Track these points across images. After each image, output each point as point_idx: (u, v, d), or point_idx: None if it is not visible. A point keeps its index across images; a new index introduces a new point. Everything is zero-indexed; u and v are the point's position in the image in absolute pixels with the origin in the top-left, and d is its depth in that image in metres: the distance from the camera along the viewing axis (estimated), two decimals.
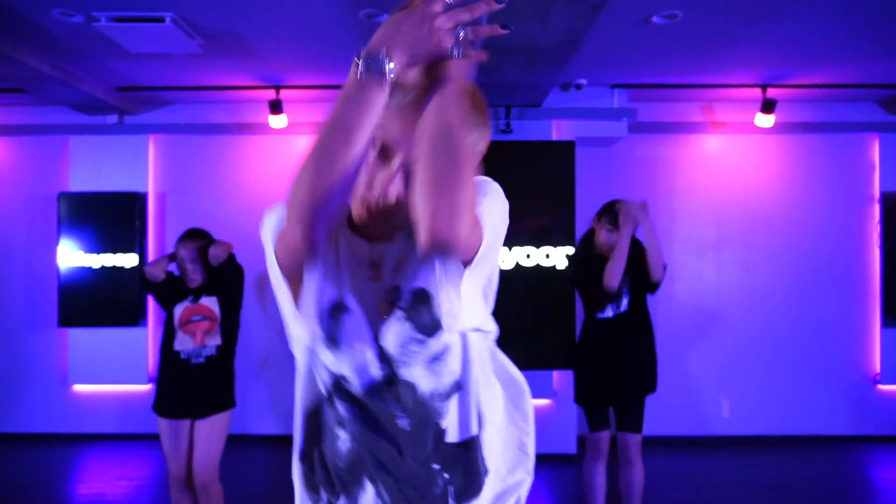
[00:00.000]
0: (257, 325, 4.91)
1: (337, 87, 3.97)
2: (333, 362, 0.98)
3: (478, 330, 0.99)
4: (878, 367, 5.17)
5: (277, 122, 4.82)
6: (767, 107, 4.69)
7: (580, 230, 4.98)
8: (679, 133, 5.22)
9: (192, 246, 2.99)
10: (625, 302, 3.12)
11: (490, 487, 1.02)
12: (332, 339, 0.97)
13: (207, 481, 2.92)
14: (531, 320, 4.54)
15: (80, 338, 5.19)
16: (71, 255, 5.10)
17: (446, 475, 0.98)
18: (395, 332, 0.96)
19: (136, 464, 4.79)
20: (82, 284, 5.09)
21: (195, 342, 2.93)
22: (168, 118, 5.22)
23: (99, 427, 5.29)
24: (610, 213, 3.15)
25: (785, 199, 5.23)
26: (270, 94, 4.79)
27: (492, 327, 1.04)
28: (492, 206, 0.98)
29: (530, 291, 4.55)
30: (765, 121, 4.76)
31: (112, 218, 5.11)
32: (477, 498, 1.00)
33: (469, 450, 1.00)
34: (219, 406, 2.96)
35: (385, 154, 0.98)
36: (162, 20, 3.39)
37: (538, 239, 4.64)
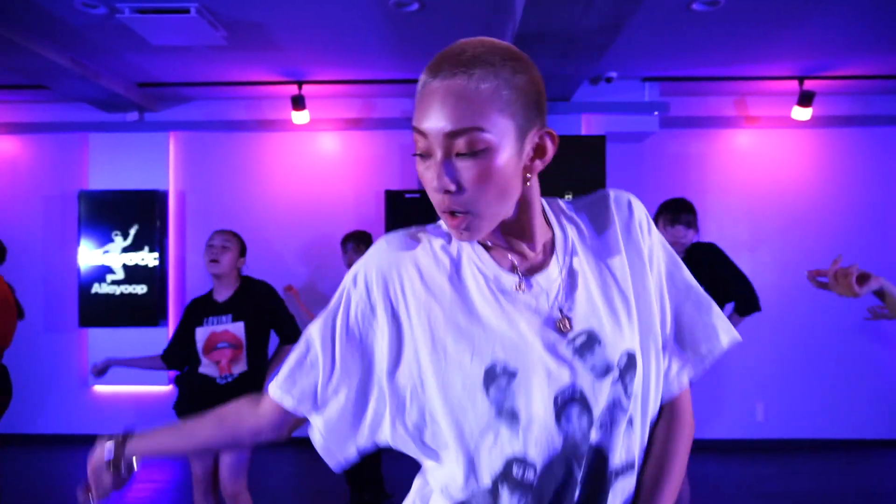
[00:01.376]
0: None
1: (360, 81, 3.86)
2: (509, 440, 0.83)
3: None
4: None
5: (300, 117, 4.73)
6: (805, 99, 4.54)
7: None
8: (711, 128, 5.08)
9: (227, 236, 2.88)
10: None
11: None
12: (505, 410, 0.82)
13: (237, 491, 2.83)
14: None
15: (101, 338, 5.13)
16: (91, 255, 5.04)
17: None
18: (605, 390, 0.83)
19: (156, 465, 4.72)
20: (102, 284, 5.03)
21: (220, 370, 2.80)
22: (188, 115, 5.16)
23: (119, 428, 5.21)
24: (669, 211, 3.03)
25: (823, 196, 5.07)
26: (292, 89, 4.70)
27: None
28: None
29: None
30: (802, 114, 4.60)
31: (132, 216, 5.05)
32: None
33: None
34: None
35: (422, 156, 0.84)
36: (187, 11, 3.30)
37: None
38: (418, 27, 3.66)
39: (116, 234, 5.04)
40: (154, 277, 5.03)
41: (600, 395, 0.83)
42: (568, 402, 0.82)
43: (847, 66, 4.42)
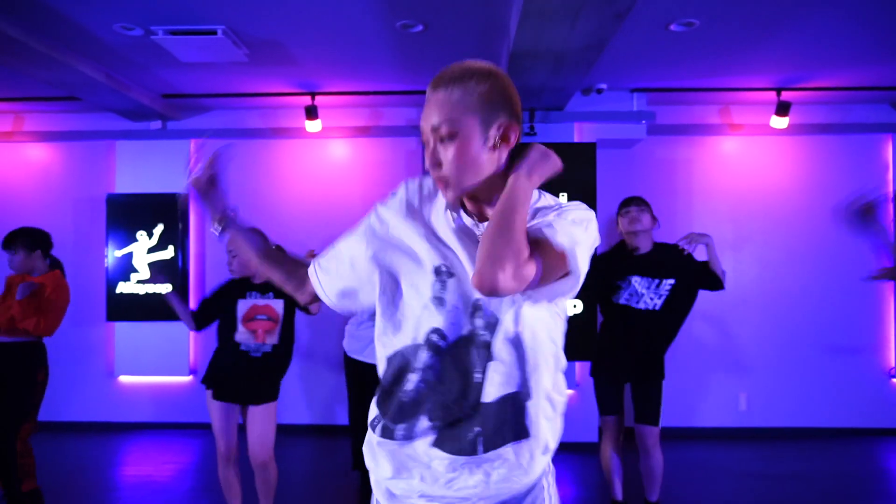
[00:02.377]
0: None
1: (369, 93, 4.31)
2: (433, 318, 1.20)
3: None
4: (892, 362, 5.30)
5: (313, 126, 5.09)
6: (782, 109, 4.87)
7: (601, 229, 5.18)
8: (697, 135, 5.40)
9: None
10: (660, 302, 3.32)
11: (527, 449, 1.21)
12: (439, 298, 1.20)
13: (265, 460, 3.14)
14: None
15: (126, 331, 5.48)
16: (118, 254, 5.40)
17: (477, 428, 1.19)
18: (496, 301, 1.18)
19: (178, 450, 5.05)
20: (128, 281, 5.39)
21: (256, 339, 3.10)
22: (208, 123, 5.50)
23: (142, 416, 5.57)
24: (627, 205, 3.43)
25: (801, 199, 5.39)
26: (306, 100, 5.05)
27: (558, 321, 1.28)
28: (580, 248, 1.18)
29: None
30: (779, 123, 4.93)
31: (156, 218, 5.40)
32: (504, 447, 1.19)
33: (505, 409, 1.19)
34: (269, 397, 3.15)
35: (425, 143, 1.23)
36: (214, 32, 3.66)
37: None
38: (422, 45, 4.01)
39: (141, 235, 5.41)
40: (176, 275, 5.39)
41: (490, 306, 1.20)
42: (475, 303, 1.20)
43: (821, 78, 4.73)
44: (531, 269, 1.08)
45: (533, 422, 1.21)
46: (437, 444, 1.20)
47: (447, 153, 1.19)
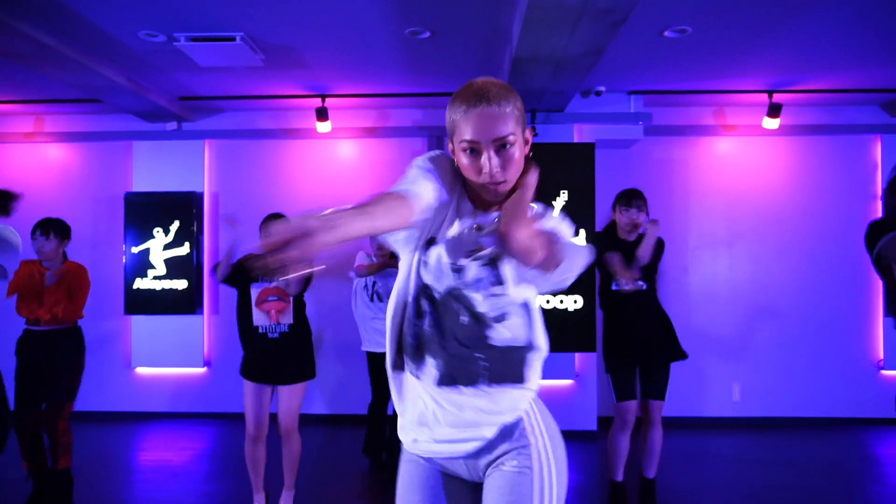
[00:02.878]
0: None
1: (377, 95, 4.58)
2: (428, 275, 1.43)
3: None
4: (881, 354, 5.51)
5: (323, 127, 5.30)
6: (773, 111, 5.08)
7: (600, 225, 5.40)
8: (692, 135, 5.61)
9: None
10: (644, 283, 3.50)
11: (524, 398, 1.45)
12: (426, 262, 1.43)
13: (290, 429, 3.37)
14: (554, 308, 4.96)
15: (143, 324, 5.69)
16: (135, 250, 5.61)
17: (485, 363, 1.41)
18: (474, 268, 1.41)
19: (193, 437, 5.26)
20: (145, 275, 5.61)
21: (271, 319, 3.30)
22: (222, 124, 5.72)
23: (158, 406, 5.78)
24: (623, 198, 3.57)
25: (793, 198, 5.59)
26: (316, 102, 5.26)
27: (534, 297, 1.48)
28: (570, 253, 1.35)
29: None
30: (771, 124, 5.14)
31: (172, 215, 5.62)
32: (506, 387, 1.42)
33: (511, 356, 1.43)
34: (300, 376, 3.34)
35: (475, 151, 1.38)
36: (233, 39, 3.88)
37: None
38: (429, 51, 4.22)
39: (158, 231, 5.62)
40: (191, 270, 5.60)
41: (469, 271, 1.41)
42: (461, 267, 1.41)
43: (812, 81, 4.94)
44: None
45: (529, 371, 1.46)
46: (444, 381, 1.42)
47: (502, 160, 1.36)
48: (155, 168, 5.70)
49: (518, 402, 1.45)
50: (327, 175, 5.77)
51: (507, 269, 1.41)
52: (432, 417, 1.44)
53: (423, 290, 1.43)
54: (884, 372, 5.49)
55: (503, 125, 1.34)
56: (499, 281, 1.40)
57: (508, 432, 1.43)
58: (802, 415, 5.52)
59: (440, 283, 1.41)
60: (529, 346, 1.46)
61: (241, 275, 3.41)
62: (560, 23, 3.19)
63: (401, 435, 1.53)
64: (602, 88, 5.05)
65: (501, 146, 1.36)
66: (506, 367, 1.43)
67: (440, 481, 1.52)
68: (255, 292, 3.33)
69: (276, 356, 3.31)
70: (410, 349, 1.44)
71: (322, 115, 5.22)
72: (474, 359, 1.41)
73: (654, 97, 5.25)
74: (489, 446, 1.44)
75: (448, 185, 1.43)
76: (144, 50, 4.17)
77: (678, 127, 5.54)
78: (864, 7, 3.57)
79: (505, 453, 1.43)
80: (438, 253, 1.42)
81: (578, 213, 5.03)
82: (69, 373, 3.61)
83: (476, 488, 1.51)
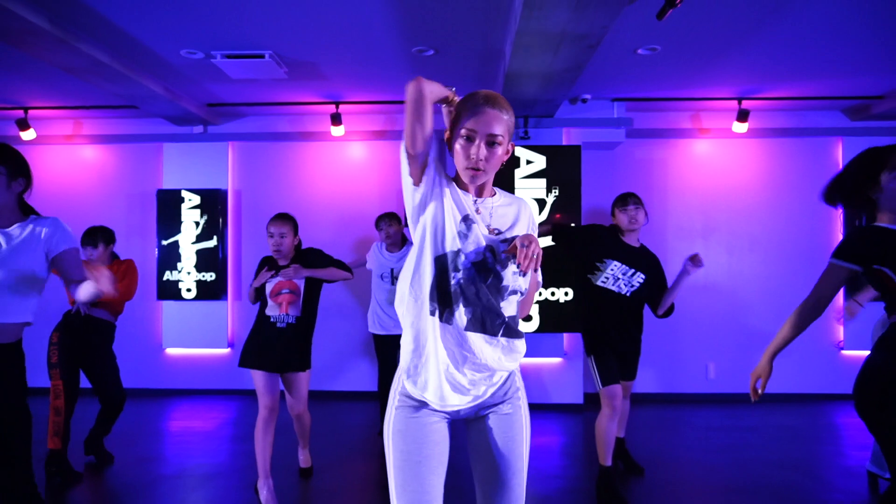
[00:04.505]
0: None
1: (385, 102, 5.35)
2: (458, 243, 1.75)
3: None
4: (841, 336, 6.08)
5: (337, 131, 5.87)
6: (742, 116, 5.64)
7: (585, 220, 5.98)
8: (670, 138, 6.18)
9: (282, 223, 3.61)
10: (628, 290, 3.70)
11: (518, 358, 1.86)
12: (463, 234, 1.79)
13: (301, 412, 3.79)
14: (545, 299, 5.54)
15: (173, 309, 6.27)
16: (166, 242, 6.19)
17: (506, 316, 1.82)
18: (494, 245, 1.82)
19: (218, 410, 5.84)
20: (175, 265, 6.19)
21: (280, 310, 3.50)
22: (244, 128, 6.29)
23: (186, 384, 6.37)
24: (621, 200, 3.80)
25: (762, 194, 6.16)
26: (331, 108, 5.84)
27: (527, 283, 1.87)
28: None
29: (545, 269, 5.53)
30: (740, 128, 5.71)
31: (199, 210, 6.20)
32: (514, 339, 1.83)
33: (515, 328, 1.84)
34: (300, 367, 3.63)
35: (470, 139, 1.78)
36: (262, 56, 4.45)
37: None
38: (433, 66, 4.79)
39: (186, 226, 6.20)
40: (217, 260, 6.19)
41: (495, 247, 1.75)
42: (487, 246, 1.75)
43: (778, 89, 5.48)
44: None
45: (520, 343, 1.86)
46: (471, 326, 1.72)
47: (489, 153, 1.72)
48: (183, 167, 6.28)
49: (517, 358, 1.80)
50: (340, 174, 6.34)
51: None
52: (454, 361, 1.70)
53: (457, 254, 1.73)
54: (843, 352, 6.07)
55: (498, 126, 1.71)
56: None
57: (504, 383, 1.80)
58: (770, 391, 6.06)
59: (476, 253, 1.73)
60: (519, 329, 1.86)
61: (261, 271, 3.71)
62: (544, 45, 3.76)
63: (412, 387, 1.76)
64: (588, 96, 5.62)
65: (490, 142, 1.71)
66: (513, 329, 1.79)
67: (437, 426, 1.76)
68: (270, 285, 3.53)
69: (278, 343, 3.50)
70: (448, 297, 1.71)
71: (336, 119, 5.79)
72: (499, 313, 1.74)
73: (635, 104, 5.81)
74: (494, 393, 1.78)
75: (433, 174, 1.76)
76: (183, 65, 4.74)
77: (657, 130, 6.10)
78: (822, 23, 4.00)
79: (500, 402, 1.80)
80: (476, 228, 1.75)
81: (567, 207, 5.60)
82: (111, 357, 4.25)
83: (453, 424, 1.82)
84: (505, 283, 1.76)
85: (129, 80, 4.78)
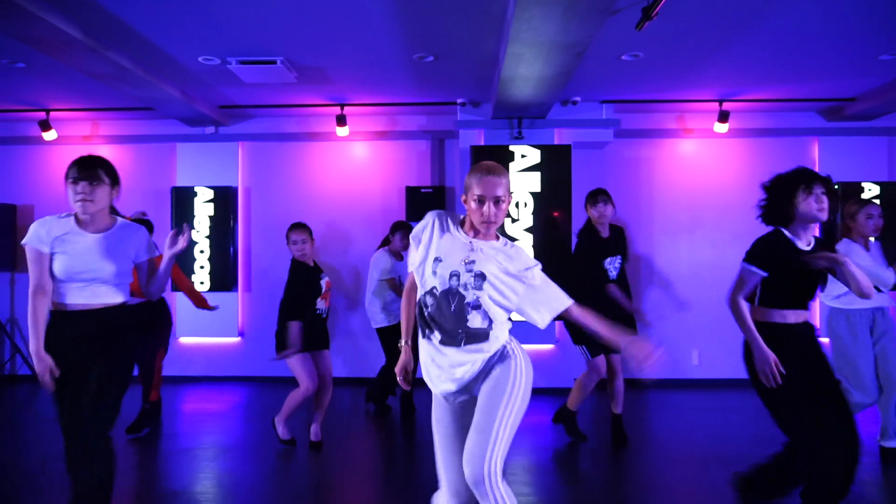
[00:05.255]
0: None
1: (387, 104, 5.82)
2: (435, 280, 2.29)
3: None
4: (818, 323, 6.44)
5: (342, 131, 6.22)
6: (722, 117, 6.00)
7: (575, 213, 6.33)
8: (656, 138, 6.53)
9: (302, 231, 4.34)
10: (615, 272, 4.44)
11: (488, 348, 2.31)
12: (435, 272, 2.29)
13: (330, 378, 4.41)
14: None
15: (186, 300, 6.60)
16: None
17: (470, 328, 2.28)
18: (465, 276, 2.29)
19: (230, 394, 6.19)
20: (190, 258, 6.53)
21: (325, 305, 4.37)
22: (254, 129, 6.64)
23: (199, 371, 6.71)
24: (591, 196, 4.45)
25: (743, 191, 6.51)
26: (336, 110, 6.18)
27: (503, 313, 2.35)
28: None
29: (540, 259, 5.88)
30: (721, 128, 6.07)
31: (212, 205, 6.54)
32: (478, 343, 2.28)
33: (477, 333, 2.29)
34: (328, 344, 4.45)
35: (482, 202, 2.28)
36: (274, 62, 4.80)
37: (545, 218, 5.99)
38: (433, 70, 5.14)
39: (200, 222, 6.54)
40: (228, 253, 6.53)
41: (461, 271, 2.27)
42: (455, 276, 2.27)
43: (757, 92, 5.83)
44: None
45: (491, 337, 2.31)
46: (443, 342, 2.28)
47: (497, 210, 2.25)
48: (196, 166, 6.62)
49: (487, 348, 2.29)
50: (344, 172, 6.69)
51: (486, 285, 2.28)
52: (438, 362, 2.31)
53: (432, 290, 2.30)
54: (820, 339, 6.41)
55: (500, 189, 2.26)
56: (480, 284, 2.28)
57: (489, 360, 2.29)
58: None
59: (442, 285, 2.27)
60: (488, 330, 2.30)
61: (308, 274, 4.31)
62: (535, 53, 4.11)
63: (427, 382, 2.38)
64: (578, 98, 5.98)
65: (496, 201, 2.26)
66: (475, 336, 2.28)
67: (457, 409, 2.36)
68: (323, 285, 4.32)
69: (321, 328, 4.37)
70: (427, 324, 2.32)
71: (341, 121, 6.14)
72: (461, 329, 2.27)
73: (623, 105, 6.17)
74: (478, 371, 2.28)
75: (427, 238, 2.34)
76: (200, 70, 5.09)
77: (644, 130, 6.46)
78: (796, 30, 4.32)
79: (489, 371, 2.28)
80: (441, 267, 2.29)
81: (558, 203, 5.96)
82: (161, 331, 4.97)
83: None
84: (468, 299, 2.26)
85: (148, 85, 5.13)
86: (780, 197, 2.78)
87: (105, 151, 6.83)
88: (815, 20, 4.16)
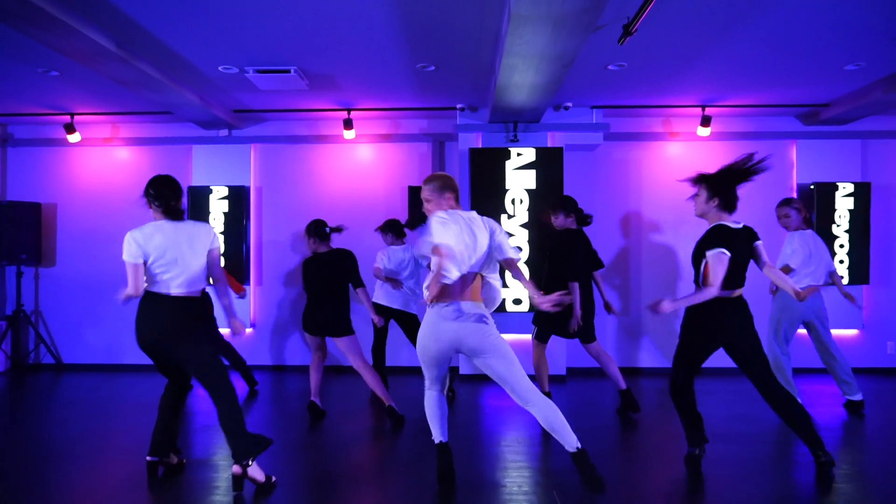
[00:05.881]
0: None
1: (391, 109, 6.34)
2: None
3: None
4: None
5: (348, 134, 6.63)
6: (705, 121, 6.41)
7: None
8: (644, 141, 6.94)
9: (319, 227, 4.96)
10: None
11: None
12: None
13: (359, 366, 4.92)
14: (530, 275, 6.29)
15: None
16: None
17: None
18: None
19: (240, 381, 6.55)
20: None
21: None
22: (265, 131, 7.04)
23: None
24: (553, 206, 5.02)
25: None
26: (343, 114, 6.59)
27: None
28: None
29: (534, 252, 6.29)
30: (703, 132, 6.47)
31: (227, 202, 6.94)
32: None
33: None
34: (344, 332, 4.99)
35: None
36: (288, 71, 5.20)
37: (538, 218, 6.40)
38: (434, 79, 5.55)
39: (215, 219, 6.94)
40: (241, 249, 6.93)
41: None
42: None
43: (738, 97, 6.24)
44: None
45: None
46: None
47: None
48: (211, 167, 7.02)
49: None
50: (350, 173, 7.09)
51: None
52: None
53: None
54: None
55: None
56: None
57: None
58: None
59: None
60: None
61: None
62: (526, 66, 4.52)
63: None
64: (569, 104, 6.38)
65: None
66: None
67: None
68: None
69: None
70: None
71: (348, 124, 6.54)
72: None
73: (612, 110, 6.58)
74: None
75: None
76: (219, 78, 5.49)
77: (632, 134, 6.87)
78: (773, 39, 4.68)
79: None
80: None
81: (550, 203, 6.34)
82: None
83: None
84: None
85: (170, 91, 5.53)
86: (728, 183, 4.07)
87: (124, 153, 7.24)
88: (784, 33, 4.56)
